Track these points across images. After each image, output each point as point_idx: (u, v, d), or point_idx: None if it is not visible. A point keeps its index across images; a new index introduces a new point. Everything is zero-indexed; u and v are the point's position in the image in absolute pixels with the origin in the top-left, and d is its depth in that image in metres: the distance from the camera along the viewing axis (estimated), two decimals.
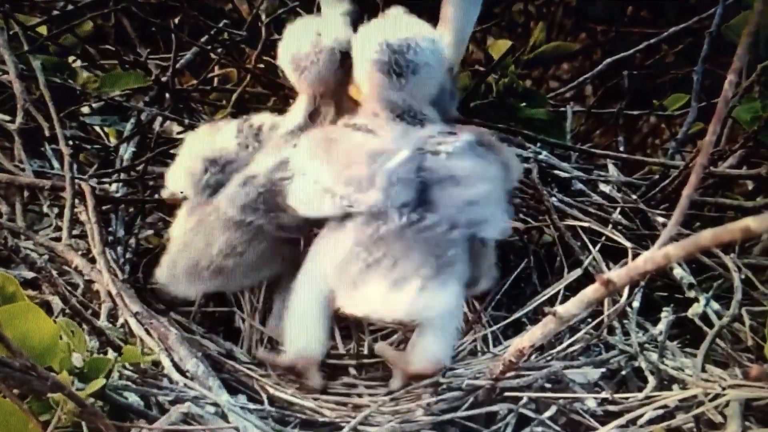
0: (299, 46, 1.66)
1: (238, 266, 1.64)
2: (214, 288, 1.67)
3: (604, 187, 2.03)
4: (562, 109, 2.35)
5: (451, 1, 1.84)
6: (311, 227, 1.63)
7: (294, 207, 1.56)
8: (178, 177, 1.69)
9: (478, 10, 1.87)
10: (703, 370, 1.52)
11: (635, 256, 1.76)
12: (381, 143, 1.51)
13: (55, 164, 1.97)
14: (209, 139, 1.68)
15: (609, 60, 2.34)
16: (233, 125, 1.70)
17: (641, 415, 1.41)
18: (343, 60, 1.64)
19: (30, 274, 1.66)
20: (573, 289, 1.75)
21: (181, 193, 1.68)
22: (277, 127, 1.68)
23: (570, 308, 1.29)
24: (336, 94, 1.66)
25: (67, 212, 1.74)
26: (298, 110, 1.67)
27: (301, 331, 1.58)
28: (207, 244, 1.63)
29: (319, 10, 1.95)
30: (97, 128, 2.23)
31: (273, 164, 1.61)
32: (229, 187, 1.63)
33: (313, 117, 1.66)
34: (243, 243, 1.63)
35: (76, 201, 1.78)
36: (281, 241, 1.65)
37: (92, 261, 1.68)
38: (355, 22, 1.67)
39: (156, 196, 1.95)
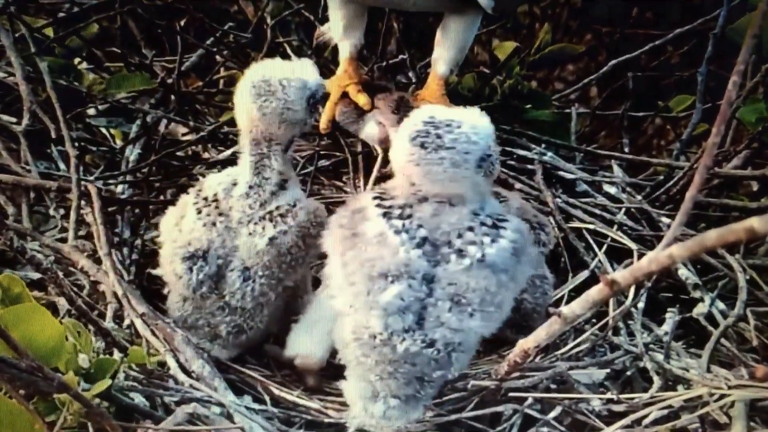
0: (267, 75, 1.65)
1: (251, 337, 1.64)
2: (240, 351, 1.67)
3: (608, 188, 2.03)
4: (567, 110, 2.35)
5: (451, 22, 1.86)
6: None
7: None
8: (170, 279, 1.67)
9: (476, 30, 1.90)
10: (708, 370, 1.53)
11: (640, 256, 1.76)
12: (389, 261, 1.48)
13: (62, 166, 1.98)
14: (176, 233, 1.64)
15: (614, 61, 2.34)
16: (191, 206, 1.65)
17: (646, 416, 1.41)
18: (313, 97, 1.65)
19: (36, 275, 1.67)
20: (578, 290, 1.76)
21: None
22: (230, 188, 1.65)
23: (575, 309, 1.30)
24: (288, 142, 1.67)
25: (73, 213, 1.74)
26: (244, 165, 1.66)
27: (307, 336, 1.58)
28: (211, 327, 1.64)
29: (324, 10, 1.97)
30: (103, 130, 2.24)
31: (262, 249, 1.60)
32: (231, 284, 1.61)
33: (260, 171, 1.64)
34: (247, 320, 1.63)
35: (82, 202, 1.78)
36: (281, 296, 1.65)
37: (98, 262, 1.68)
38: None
39: (161, 197, 1.96)
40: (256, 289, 1.60)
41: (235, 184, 1.64)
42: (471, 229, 1.48)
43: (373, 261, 1.46)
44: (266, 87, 1.62)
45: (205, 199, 1.64)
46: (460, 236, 1.47)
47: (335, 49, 2.05)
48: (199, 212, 1.63)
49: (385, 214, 1.49)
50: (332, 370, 1.57)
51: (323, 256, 1.56)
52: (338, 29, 1.97)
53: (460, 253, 1.47)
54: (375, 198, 1.53)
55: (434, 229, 1.48)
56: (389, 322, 1.44)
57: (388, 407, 1.45)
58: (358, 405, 1.46)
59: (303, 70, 1.65)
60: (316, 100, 1.65)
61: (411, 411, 1.45)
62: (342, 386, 1.49)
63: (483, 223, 1.49)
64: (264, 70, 1.65)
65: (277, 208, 1.62)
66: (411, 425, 1.45)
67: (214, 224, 1.62)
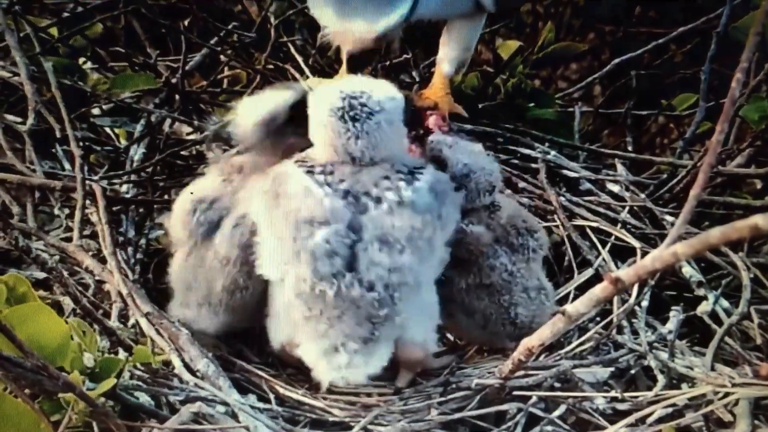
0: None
1: (246, 300, 1.64)
2: (234, 324, 1.66)
3: (612, 187, 2.03)
4: (571, 109, 2.35)
5: (456, 22, 1.86)
6: None
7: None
8: (175, 228, 1.69)
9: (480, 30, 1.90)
10: (713, 368, 1.53)
11: (644, 254, 1.76)
12: (314, 208, 1.50)
13: (66, 165, 1.98)
14: (195, 185, 1.70)
15: (617, 60, 2.35)
16: (217, 167, 1.71)
17: (650, 414, 1.41)
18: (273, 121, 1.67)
19: (41, 275, 1.67)
20: (581, 288, 1.76)
21: None
22: (255, 166, 1.68)
23: (579, 307, 1.30)
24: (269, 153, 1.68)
25: (77, 213, 1.75)
26: None
27: (280, 324, 1.58)
28: (209, 283, 1.64)
29: None
30: (108, 129, 2.24)
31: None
32: (224, 229, 1.63)
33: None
34: (244, 276, 1.63)
35: (87, 202, 1.79)
36: None
37: (103, 261, 1.68)
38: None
39: (165, 196, 1.96)
40: (245, 236, 1.60)
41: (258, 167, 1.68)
42: (387, 178, 1.52)
43: (297, 210, 1.49)
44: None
45: (232, 165, 1.69)
46: (376, 185, 1.51)
47: (338, 48, 2.05)
48: (223, 169, 1.69)
49: (307, 172, 1.53)
50: None
51: None
52: None
53: (378, 200, 1.50)
54: (296, 162, 1.56)
55: (355, 183, 1.51)
56: (318, 267, 1.46)
57: (350, 354, 1.46)
58: (320, 364, 1.48)
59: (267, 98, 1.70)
60: (279, 124, 1.67)
61: (372, 357, 1.47)
62: (299, 354, 1.51)
63: (399, 171, 1.54)
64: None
65: None
66: (415, 424, 1.46)
67: (232, 181, 1.66)
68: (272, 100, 1.69)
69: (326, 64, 2.28)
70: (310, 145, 1.61)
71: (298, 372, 1.60)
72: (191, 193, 1.67)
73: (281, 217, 1.51)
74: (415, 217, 1.50)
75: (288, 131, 1.68)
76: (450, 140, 1.74)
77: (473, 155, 1.69)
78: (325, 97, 1.57)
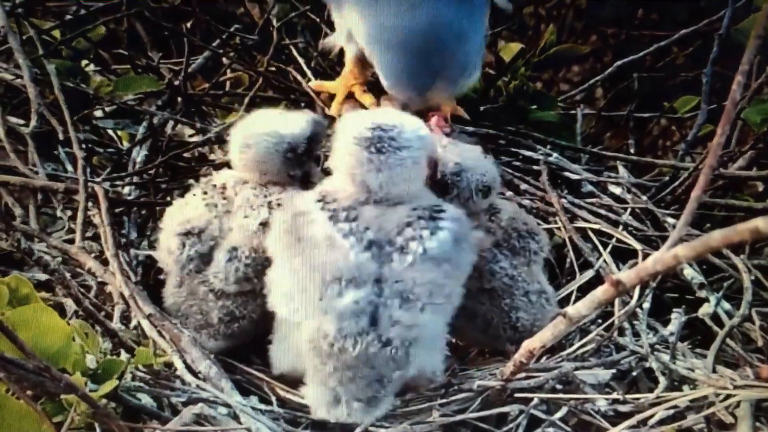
0: (250, 128, 1.70)
1: (244, 328, 1.64)
2: (232, 345, 1.67)
3: (614, 189, 2.03)
4: (573, 111, 2.35)
5: None
6: None
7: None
8: (163, 258, 1.69)
9: None
10: (714, 370, 1.53)
11: (645, 257, 1.76)
12: (342, 266, 1.48)
13: (69, 167, 1.98)
14: (179, 214, 1.68)
15: (619, 62, 2.34)
16: (198, 189, 1.70)
17: (652, 416, 1.41)
18: (292, 151, 1.68)
19: (43, 277, 1.67)
20: (583, 290, 1.76)
21: None
22: (240, 181, 1.69)
23: (580, 309, 1.30)
24: (284, 180, 1.69)
25: (80, 215, 1.75)
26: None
27: (284, 353, 1.58)
28: (203, 314, 1.64)
29: (329, 15, 1.97)
30: (110, 132, 2.24)
31: (252, 231, 1.62)
32: (216, 263, 1.63)
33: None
34: (239, 308, 1.64)
35: (90, 204, 1.79)
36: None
37: (105, 263, 1.68)
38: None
39: (168, 198, 1.96)
40: (240, 270, 1.61)
41: (245, 182, 1.68)
42: (409, 224, 1.50)
43: (324, 266, 1.47)
44: (246, 140, 1.69)
45: (214, 186, 1.69)
46: (399, 233, 1.49)
47: (341, 51, 2.05)
48: (205, 193, 1.67)
49: (330, 218, 1.51)
50: None
51: None
52: (343, 32, 1.97)
53: (402, 250, 1.49)
54: (318, 201, 1.54)
55: (378, 229, 1.50)
56: (344, 326, 1.45)
57: (351, 410, 1.46)
58: (321, 410, 1.48)
59: (286, 124, 1.70)
60: (296, 155, 1.68)
61: (374, 410, 1.47)
62: (302, 392, 1.51)
63: (420, 217, 1.51)
64: (248, 125, 1.72)
65: (278, 199, 1.64)
66: (416, 426, 1.46)
67: (215, 206, 1.66)
68: (290, 127, 1.69)
69: (328, 66, 2.28)
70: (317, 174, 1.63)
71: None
72: (178, 224, 1.66)
73: (305, 267, 1.49)
74: (436, 270, 1.50)
75: (302, 160, 1.69)
76: (445, 140, 1.74)
77: (466, 154, 1.69)
78: (354, 125, 1.56)
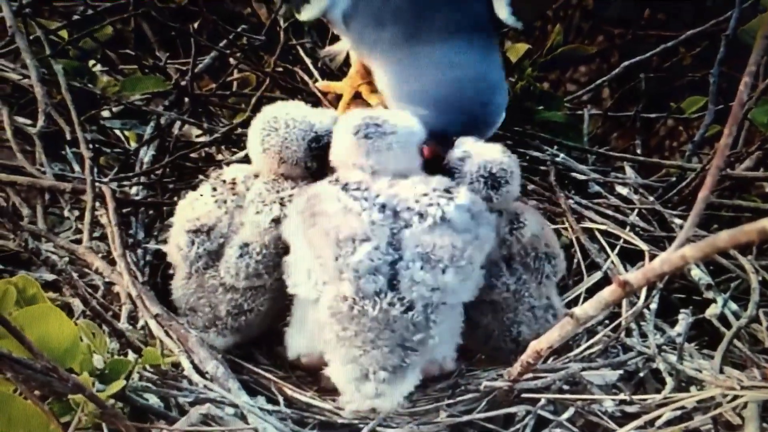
0: (279, 112, 1.70)
1: (251, 322, 1.65)
2: (239, 340, 1.67)
3: (621, 189, 2.03)
4: (579, 112, 2.35)
5: None
6: None
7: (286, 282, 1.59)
8: (172, 253, 1.70)
9: None
10: (721, 371, 1.52)
11: (652, 257, 1.76)
12: (354, 224, 1.50)
13: (76, 167, 1.98)
14: (189, 210, 1.68)
15: (626, 63, 2.34)
16: (208, 186, 1.70)
17: (659, 416, 1.41)
18: (317, 141, 1.68)
19: (51, 277, 1.67)
20: (590, 291, 1.76)
21: None
22: (251, 176, 1.69)
23: (587, 309, 1.30)
24: (298, 173, 1.69)
25: (87, 215, 1.75)
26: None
27: (301, 335, 1.58)
28: (212, 307, 1.65)
29: None
30: (117, 132, 2.25)
31: (264, 228, 1.63)
32: (227, 259, 1.63)
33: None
34: (248, 302, 1.64)
35: (97, 204, 1.79)
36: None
37: (112, 263, 1.68)
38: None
39: (175, 198, 1.96)
40: (251, 266, 1.61)
41: (257, 176, 1.69)
42: (426, 194, 1.53)
43: (337, 227, 1.49)
44: (272, 124, 1.68)
45: (224, 181, 1.69)
46: (417, 201, 1.52)
47: (347, 53, 2.05)
48: (215, 190, 1.67)
49: (343, 188, 1.54)
50: None
51: None
52: (348, 43, 1.96)
53: (421, 216, 1.50)
54: (330, 181, 1.57)
55: (392, 196, 1.53)
56: (361, 284, 1.46)
57: (378, 383, 1.46)
58: (348, 389, 1.48)
59: (315, 115, 1.70)
60: (319, 146, 1.68)
61: (401, 384, 1.47)
62: (327, 374, 1.51)
63: (435, 189, 1.54)
64: (276, 109, 1.71)
65: (290, 195, 1.64)
66: (423, 426, 1.46)
67: (225, 202, 1.66)
68: (318, 118, 1.70)
69: (335, 67, 2.27)
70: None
71: (307, 374, 1.61)
72: (187, 221, 1.67)
73: (320, 235, 1.50)
74: (456, 236, 1.51)
75: (322, 153, 1.69)
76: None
77: (478, 145, 1.68)
78: (347, 120, 1.61)
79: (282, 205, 1.63)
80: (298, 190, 1.64)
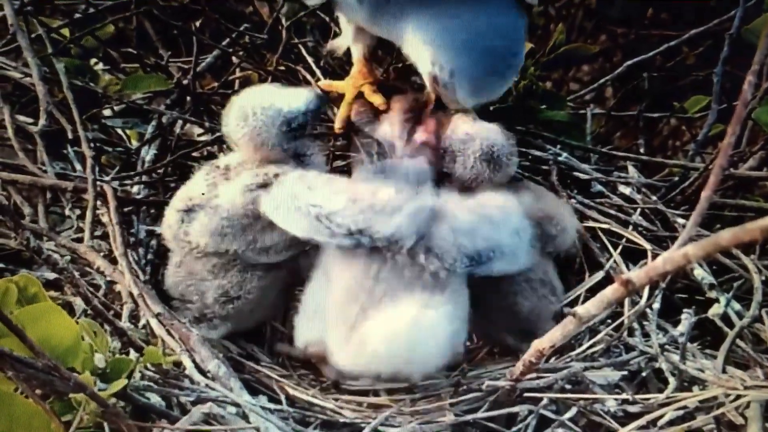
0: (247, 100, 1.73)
1: (240, 309, 1.66)
2: (229, 330, 1.69)
3: (624, 189, 2.03)
4: (582, 111, 2.34)
5: None
6: (298, 249, 1.67)
7: (269, 215, 1.60)
8: (165, 233, 1.73)
9: None
10: (724, 371, 1.52)
11: (655, 257, 1.76)
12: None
13: (78, 166, 1.98)
14: (182, 191, 1.72)
15: (629, 62, 2.33)
16: (202, 170, 1.74)
17: (662, 416, 1.41)
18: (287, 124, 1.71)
19: (52, 275, 1.67)
20: (593, 290, 1.76)
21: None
22: (243, 164, 1.71)
23: (589, 308, 1.29)
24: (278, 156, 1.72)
25: (89, 214, 1.75)
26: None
27: (311, 323, 1.59)
28: (200, 295, 1.65)
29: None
30: (119, 131, 2.24)
31: (237, 192, 1.65)
32: (200, 220, 1.66)
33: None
34: (234, 287, 1.65)
35: (98, 203, 1.79)
36: (273, 272, 1.67)
37: (114, 262, 1.69)
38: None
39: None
40: (214, 223, 1.65)
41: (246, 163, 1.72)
42: None
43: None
44: (241, 113, 1.71)
45: (217, 167, 1.72)
46: None
47: (349, 50, 2.05)
48: (208, 174, 1.71)
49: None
50: None
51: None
52: (350, 33, 1.96)
53: None
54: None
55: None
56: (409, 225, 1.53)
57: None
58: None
59: (283, 99, 1.72)
60: (291, 128, 1.70)
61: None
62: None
63: None
64: (244, 98, 1.74)
65: (275, 175, 1.67)
66: (425, 426, 1.46)
67: (216, 185, 1.68)
68: (287, 101, 1.71)
69: (337, 65, 2.27)
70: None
71: (309, 372, 1.61)
72: (179, 200, 1.70)
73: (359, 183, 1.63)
74: None
75: (296, 135, 1.70)
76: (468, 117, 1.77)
77: (479, 126, 1.70)
78: None
79: (263, 186, 1.65)
80: (283, 172, 1.66)
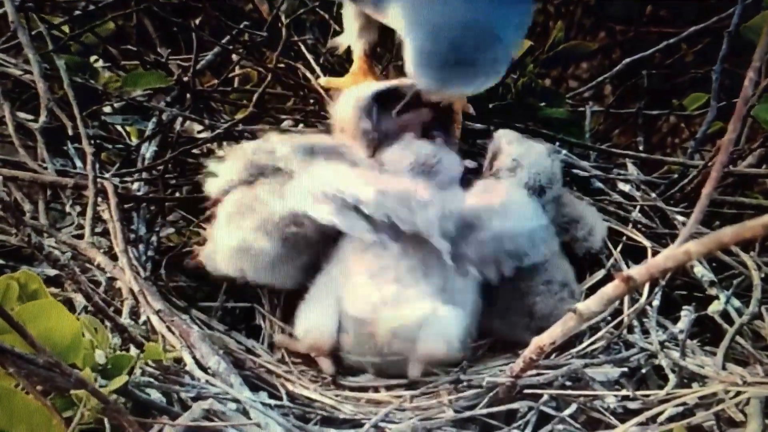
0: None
1: (265, 252, 1.65)
2: (245, 271, 1.67)
3: (623, 186, 2.03)
4: (581, 108, 2.35)
5: None
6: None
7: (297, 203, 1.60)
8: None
9: None
10: (724, 367, 1.52)
11: (655, 254, 1.76)
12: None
13: (78, 163, 1.98)
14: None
15: (628, 59, 2.33)
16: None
17: (661, 413, 1.41)
18: None
19: (53, 272, 1.67)
20: (593, 289, 1.76)
21: None
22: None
23: (590, 305, 1.29)
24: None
25: (89, 210, 1.75)
26: None
27: (314, 312, 1.59)
28: (242, 219, 1.66)
29: (339, 7, 1.97)
30: (119, 127, 2.24)
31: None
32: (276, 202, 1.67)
33: None
34: (275, 225, 1.64)
35: (99, 199, 1.79)
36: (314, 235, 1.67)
37: (114, 259, 1.69)
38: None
39: (177, 194, 1.96)
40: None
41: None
42: None
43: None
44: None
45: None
46: None
47: (349, 48, 2.05)
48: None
49: None
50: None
51: None
52: (353, 30, 1.96)
53: None
54: None
55: None
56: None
57: None
58: None
59: None
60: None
61: None
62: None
63: None
64: None
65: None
66: (426, 422, 1.46)
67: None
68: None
69: (337, 62, 2.27)
70: None
71: (309, 368, 1.61)
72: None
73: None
74: None
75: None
76: (511, 135, 1.82)
77: (525, 152, 1.71)
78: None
79: None
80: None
